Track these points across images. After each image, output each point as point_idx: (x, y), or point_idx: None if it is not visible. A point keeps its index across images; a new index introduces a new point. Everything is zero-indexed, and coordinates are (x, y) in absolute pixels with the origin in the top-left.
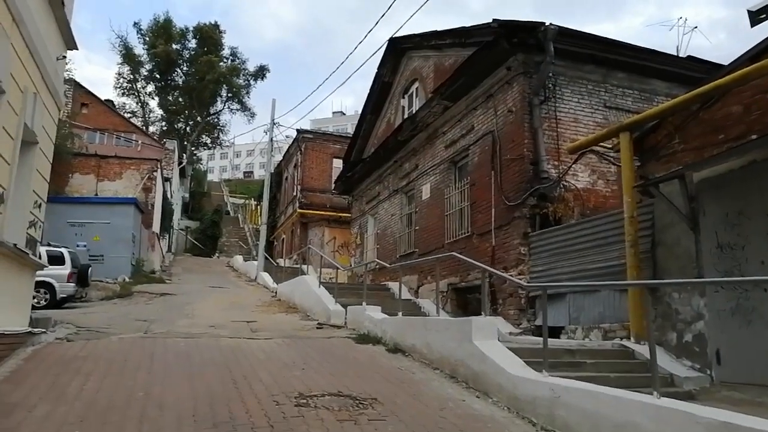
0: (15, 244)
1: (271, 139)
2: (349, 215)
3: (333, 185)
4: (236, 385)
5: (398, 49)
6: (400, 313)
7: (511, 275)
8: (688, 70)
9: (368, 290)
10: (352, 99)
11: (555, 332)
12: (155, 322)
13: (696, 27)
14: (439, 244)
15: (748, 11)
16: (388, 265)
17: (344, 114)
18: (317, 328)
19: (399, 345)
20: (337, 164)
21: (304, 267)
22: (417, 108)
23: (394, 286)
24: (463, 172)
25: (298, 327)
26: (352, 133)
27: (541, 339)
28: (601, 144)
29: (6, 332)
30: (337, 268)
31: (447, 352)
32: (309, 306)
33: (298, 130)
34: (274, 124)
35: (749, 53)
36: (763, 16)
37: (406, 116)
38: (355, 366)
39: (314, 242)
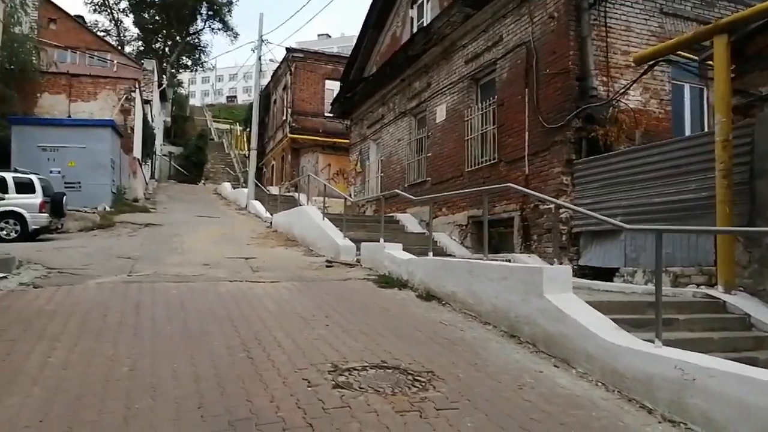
0: None
1: (259, 58)
2: (347, 141)
3: (329, 108)
4: (249, 352)
5: None
6: (430, 254)
7: (546, 208)
8: None
9: (375, 222)
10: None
11: (605, 275)
12: (140, 259)
13: None
14: (456, 173)
15: None
16: (413, 197)
17: (330, 36)
18: (326, 266)
19: (432, 291)
20: (331, 86)
21: (302, 197)
22: (429, 19)
23: (403, 218)
24: (488, 90)
25: (303, 265)
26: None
27: (599, 283)
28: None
29: None
30: (345, 199)
31: (504, 306)
32: (312, 240)
33: (287, 49)
34: (263, 41)
35: None
36: None
37: (416, 28)
38: (389, 320)
39: (307, 169)
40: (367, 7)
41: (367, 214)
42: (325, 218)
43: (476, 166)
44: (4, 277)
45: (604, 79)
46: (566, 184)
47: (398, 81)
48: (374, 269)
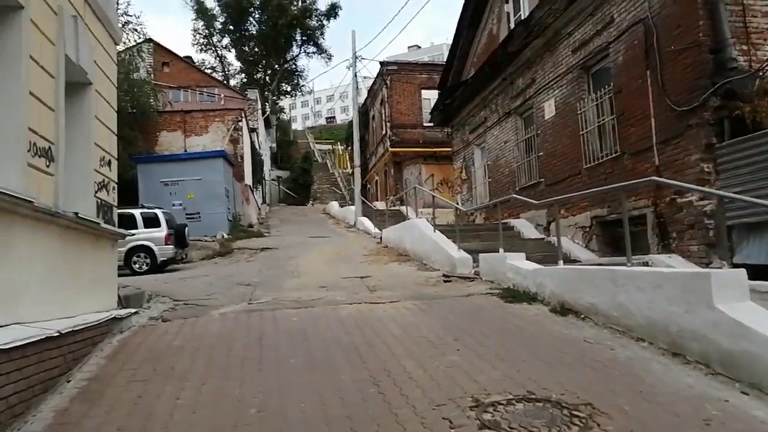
0: (76, 213)
1: (355, 75)
2: (448, 149)
3: (428, 118)
4: (379, 386)
5: None
6: (561, 262)
7: (685, 201)
8: None
9: (488, 231)
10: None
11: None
12: (260, 285)
13: None
14: (573, 171)
15: None
16: (534, 201)
17: (420, 47)
18: (444, 281)
19: (568, 304)
20: (427, 95)
21: (410, 210)
22: (527, 11)
23: (517, 223)
24: (601, 78)
25: (420, 281)
26: (434, 63)
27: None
28: None
29: (80, 326)
30: (455, 208)
31: (662, 319)
32: (424, 253)
33: (381, 63)
34: (357, 57)
35: None
36: None
37: (513, 23)
38: (525, 340)
39: (410, 182)
40: (459, 12)
41: (477, 223)
42: (437, 230)
43: (596, 162)
44: (136, 312)
45: (744, 47)
46: (708, 171)
47: (499, 80)
48: (496, 282)
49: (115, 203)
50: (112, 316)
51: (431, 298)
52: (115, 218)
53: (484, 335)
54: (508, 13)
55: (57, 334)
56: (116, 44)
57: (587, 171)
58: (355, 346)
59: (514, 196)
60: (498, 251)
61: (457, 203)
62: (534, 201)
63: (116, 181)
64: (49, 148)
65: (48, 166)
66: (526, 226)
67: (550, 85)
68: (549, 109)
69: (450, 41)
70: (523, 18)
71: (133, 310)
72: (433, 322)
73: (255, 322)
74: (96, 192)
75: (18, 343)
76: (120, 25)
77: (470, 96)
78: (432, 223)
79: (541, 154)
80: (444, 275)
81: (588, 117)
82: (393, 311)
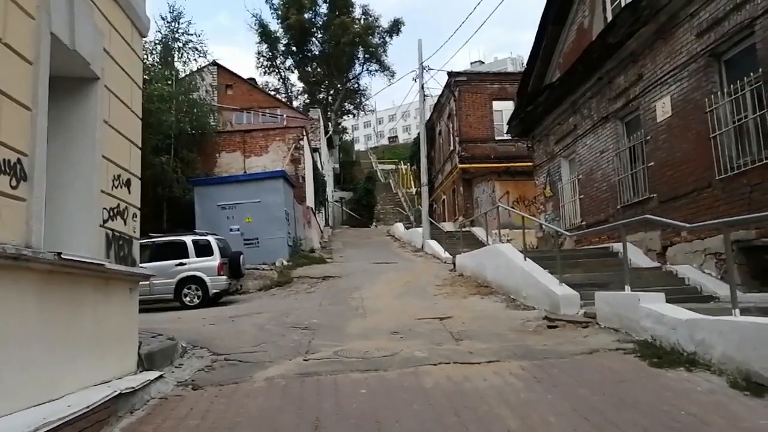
0: (58, 254)
1: (422, 86)
2: (525, 164)
3: (500, 130)
4: None
5: None
6: (736, 311)
7: None
8: None
9: (589, 258)
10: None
11: None
12: (318, 329)
13: None
14: (700, 183)
15: None
16: (685, 224)
17: (483, 63)
18: (548, 326)
19: (758, 377)
20: (499, 107)
21: (479, 231)
22: None
23: (620, 248)
24: (738, 66)
25: (515, 325)
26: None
27: None
28: None
29: (50, 424)
30: (543, 229)
31: None
32: (513, 286)
33: (449, 73)
34: (423, 67)
35: None
36: None
37: (610, 14)
38: None
39: (482, 200)
40: (525, 24)
41: (570, 248)
42: (527, 258)
43: (734, 171)
44: (160, 377)
45: None
46: None
47: (594, 80)
48: (623, 331)
49: (136, 234)
50: (116, 393)
51: (542, 356)
52: (136, 254)
53: None
54: (604, 1)
55: None
56: (142, 36)
57: (721, 183)
58: None
59: (649, 216)
60: (607, 286)
61: (543, 223)
62: (683, 224)
63: (138, 206)
64: (18, 161)
65: (14, 187)
66: (633, 252)
67: (664, 80)
68: (662, 109)
69: (514, 55)
70: (623, 5)
71: (155, 375)
72: (560, 404)
73: (310, 396)
74: (105, 221)
75: None
76: (181, 44)
77: (556, 101)
78: (521, 250)
79: (652, 164)
80: (546, 318)
81: (719, 115)
82: (496, 380)
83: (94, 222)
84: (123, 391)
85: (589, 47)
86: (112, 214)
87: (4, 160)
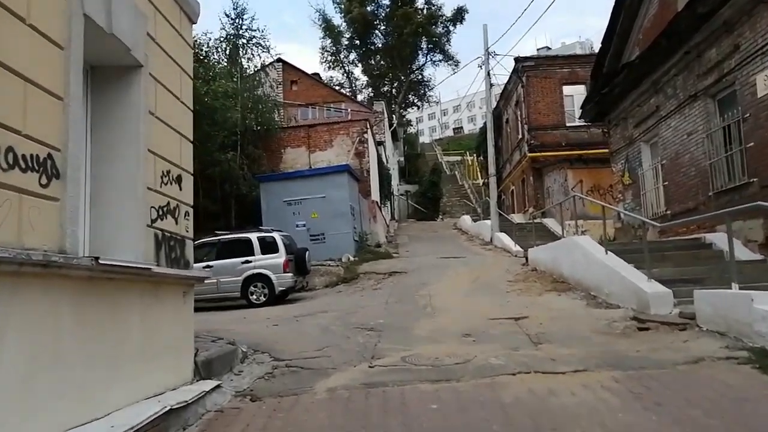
0: (95, 259)
1: (488, 73)
2: (599, 150)
3: (571, 116)
4: None
5: None
6: None
7: None
8: None
9: (677, 251)
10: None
11: None
12: (385, 330)
13: None
14: None
15: None
16: None
17: (550, 48)
18: (638, 328)
19: None
20: (569, 92)
21: (551, 222)
22: None
23: (716, 239)
24: None
25: (600, 326)
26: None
27: None
28: None
29: None
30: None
31: None
32: (593, 282)
33: (516, 59)
34: (489, 53)
35: None
36: None
37: None
38: None
39: (554, 189)
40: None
41: (650, 239)
42: (609, 252)
43: None
44: (218, 386)
45: None
46: None
47: (679, 55)
48: (730, 335)
49: (189, 234)
50: (166, 408)
51: (637, 365)
52: (190, 255)
53: None
54: None
55: None
56: (192, 22)
57: None
58: None
59: (762, 203)
60: (702, 282)
61: (621, 213)
62: None
63: (190, 203)
64: (48, 156)
65: (45, 186)
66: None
67: (765, 50)
68: (765, 82)
69: (582, 39)
70: None
71: (212, 384)
72: (669, 430)
73: (375, 411)
74: (153, 221)
75: None
76: (245, 40)
77: (635, 81)
78: (602, 242)
79: (751, 144)
80: (635, 318)
81: None
82: (587, 395)
83: (141, 222)
84: (174, 407)
85: (674, 19)
86: (161, 213)
87: (31, 155)
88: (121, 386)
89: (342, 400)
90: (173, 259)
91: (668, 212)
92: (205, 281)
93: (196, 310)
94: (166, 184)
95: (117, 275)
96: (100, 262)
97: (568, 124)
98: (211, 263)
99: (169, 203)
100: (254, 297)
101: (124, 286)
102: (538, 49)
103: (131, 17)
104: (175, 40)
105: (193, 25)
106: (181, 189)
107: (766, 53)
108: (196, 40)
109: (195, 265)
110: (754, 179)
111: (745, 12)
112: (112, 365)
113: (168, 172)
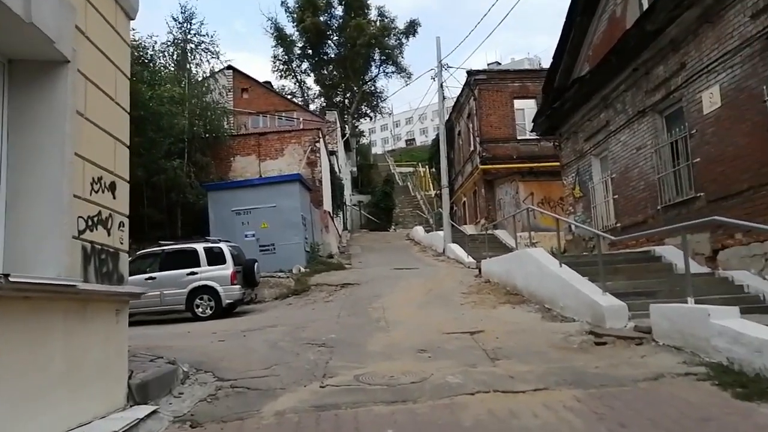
0: (5, 276)
1: (441, 85)
2: (549, 164)
3: (522, 129)
4: None
5: None
6: None
7: None
8: None
9: (629, 263)
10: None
11: None
12: (337, 346)
13: None
14: (757, 180)
15: None
16: None
17: (500, 64)
18: (595, 342)
19: None
20: (520, 105)
21: (501, 233)
22: None
23: (665, 252)
24: None
25: (557, 340)
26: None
27: None
28: None
29: None
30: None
31: None
32: (547, 295)
33: (468, 72)
34: (442, 66)
35: None
36: None
37: (644, 0)
38: None
39: (505, 201)
40: (540, 27)
41: (606, 253)
42: (563, 264)
43: None
44: (153, 413)
45: None
46: None
47: (628, 72)
48: (687, 350)
49: (124, 246)
50: None
51: (598, 383)
52: (124, 269)
53: None
54: None
55: None
56: (129, 18)
57: None
58: None
59: (717, 218)
60: (655, 295)
61: (571, 225)
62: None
63: (126, 213)
64: None
65: None
66: (678, 257)
67: (711, 69)
68: (710, 99)
69: (531, 56)
70: None
71: (147, 410)
72: None
73: None
74: (81, 232)
75: None
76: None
77: (586, 96)
78: (555, 254)
79: (698, 160)
80: (592, 332)
81: None
82: (549, 416)
83: (66, 233)
84: None
85: (623, 36)
86: (90, 223)
87: None
88: (39, 419)
89: (291, 425)
90: (104, 273)
91: (618, 225)
92: (148, 293)
93: (138, 323)
94: (97, 192)
95: (34, 293)
96: (11, 279)
97: (519, 138)
98: (154, 275)
99: (100, 213)
100: (200, 310)
101: (44, 306)
102: (488, 64)
103: (55, 7)
104: (110, 35)
105: (138, 26)
106: (115, 197)
107: (710, 71)
108: (140, 43)
109: (137, 276)
110: (701, 193)
111: (690, 31)
112: (27, 396)
113: (99, 178)
